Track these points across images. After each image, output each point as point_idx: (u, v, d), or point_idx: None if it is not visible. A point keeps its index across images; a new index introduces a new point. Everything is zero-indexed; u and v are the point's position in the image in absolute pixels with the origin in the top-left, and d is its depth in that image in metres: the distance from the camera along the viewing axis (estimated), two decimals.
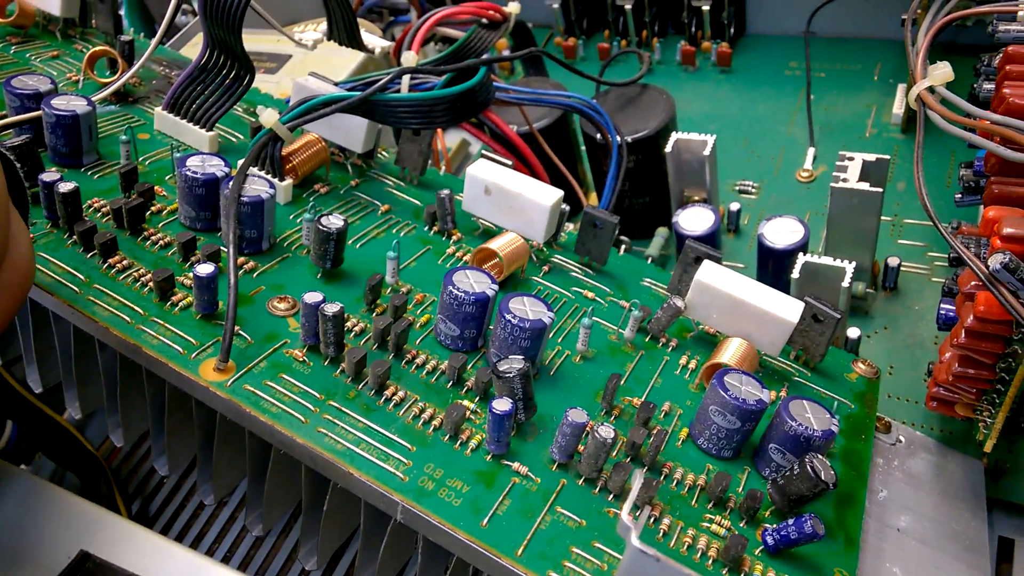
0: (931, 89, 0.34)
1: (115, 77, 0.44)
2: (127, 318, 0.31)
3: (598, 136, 0.51)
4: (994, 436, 0.33)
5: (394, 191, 0.42)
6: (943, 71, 0.34)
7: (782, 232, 0.45)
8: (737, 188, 0.58)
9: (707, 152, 0.48)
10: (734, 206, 0.53)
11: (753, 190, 0.57)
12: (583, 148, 0.56)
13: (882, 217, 0.51)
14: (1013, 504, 0.38)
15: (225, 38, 0.39)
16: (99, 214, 0.37)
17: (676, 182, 0.50)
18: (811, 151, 0.59)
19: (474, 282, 0.32)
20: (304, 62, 0.56)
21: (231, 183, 0.34)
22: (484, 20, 0.55)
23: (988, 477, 0.38)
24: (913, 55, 0.36)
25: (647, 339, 0.36)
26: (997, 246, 0.28)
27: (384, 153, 0.45)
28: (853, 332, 0.43)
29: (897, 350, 0.45)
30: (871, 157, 0.44)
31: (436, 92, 0.40)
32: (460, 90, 0.40)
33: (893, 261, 0.47)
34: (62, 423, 0.42)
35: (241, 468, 0.35)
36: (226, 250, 0.33)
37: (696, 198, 0.51)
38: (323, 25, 0.57)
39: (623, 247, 0.44)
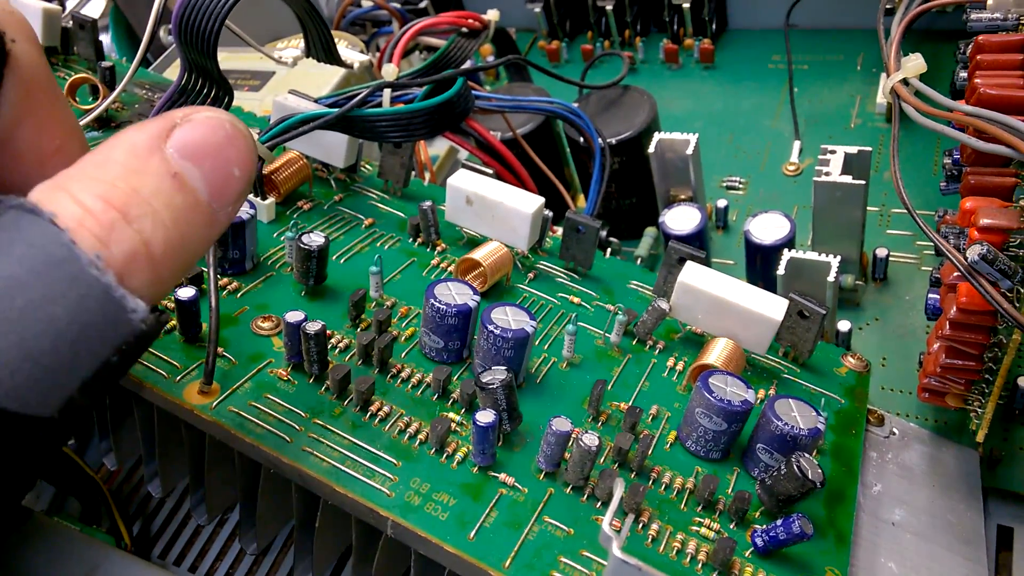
0: (905, 81, 0.34)
1: (96, 103, 0.44)
2: None
3: (581, 140, 0.51)
4: (985, 426, 0.33)
5: (378, 204, 0.42)
6: (915, 63, 0.34)
7: (768, 228, 0.45)
8: (724, 184, 0.58)
9: (690, 151, 0.48)
10: (721, 203, 0.53)
11: (740, 186, 0.57)
12: (568, 151, 0.56)
13: (869, 207, 0.51)
14: (1010, 492, 0.37)
15: (201, 61, 0.39)
16: None
17: (661, 182, 0.50)
18: (796, 144, 0.58)
19: (456, 294, 0.32)
20: (287, 79, 0.56)
21: None
22: (464, 29, 0.55)
23: (984, 466, 0.38)
24: (887, 47, 0.36)
25: (634, 342, 0.36)
26: (975, 237, 0.28)
27: (367, 166, 0.45)
28: (844, 325, 0.43)
29: (889, 341, 0.45)
30: (853, 150, 0.44)
31: (414, 105, 0.40)
32: (438, 102, 0.40)
33: (882, 252, 0.47)
34: (63, 449, 0.42)
35: (233, 488, 0.35)
36: (208, 272, 0.33)
37: (682, 197, 0.50)
38: (302, 42, 0.57)
39: (609, 250, 0.44)
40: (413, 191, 0.44)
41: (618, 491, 0.23)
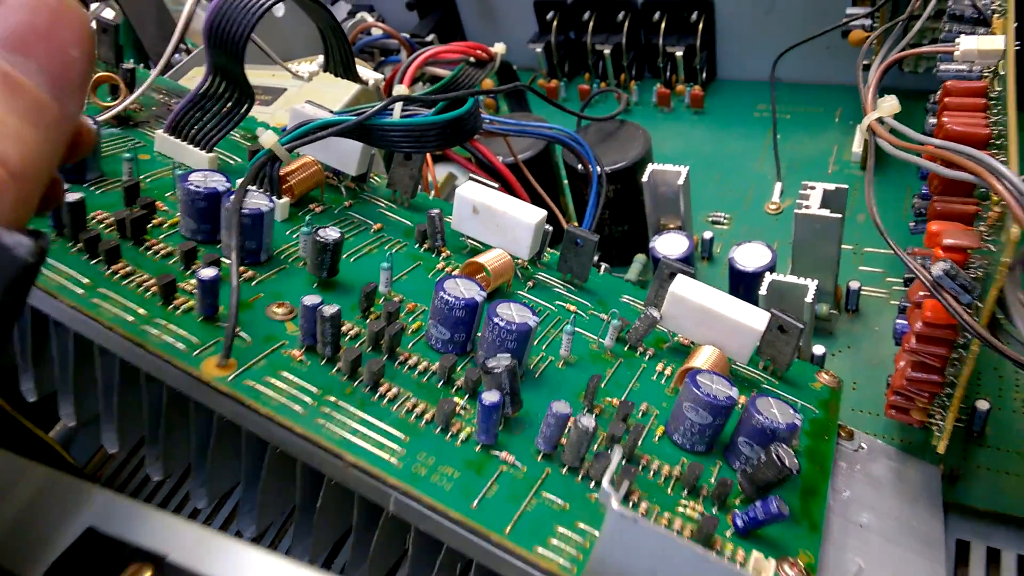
0: (881, 120, 0.37)
1: (117, 101, 0.46)
2: (131, 318, 0.33)
3: (579, 167, 0.54)
4: (946, 437, 0.36)
5: (386, 212, 0.45)
6: (891, 103, 0.37)
7: (751, 256, 0.48)
8: (710, 219, 0.61)
9: (681, 181, 0.51)
10: (707, 234, 0.57)
11: (725, 221, 0.60)
12: (565, 181, 0.59)
13: (844, 245, 0.54)
14: (968, 508, 0.40)
15: (227, 65, 0.41)
16: (102, 225, 0.38)
17: (652, 210, 0.53)
18: (778, 185, 0.62)
19: (464, 289, 0.34)
20: (299, 94, 0.59)
21: (232, 195, 0.36)
22: (471, 59, 0.58)
23: (945, 482, 0.40)
24: (864, 90, 0.40)
25: (626, 348, 0.38)
26: (939, 255, 0.31)
27: (376, 178, 0.48)
28: (819, 349, 0.46)
29: (859, 367, 0.48)
30: (831, 187, 0.47)
31: (428, 118, 0.42)
32: (450, 117, 0.43)
33: (854, 284, 0.50)
34: (47, 440, 0.43)
35: (236, 471, 0.36)
36: (226, 260, 0.35)
37: (671, 226, 0.53)
38: (317, 60, 0.60)
39: (603, 269, 0.47)
40: (419, 203, 0.46)
41: (616, 456, 0.25)
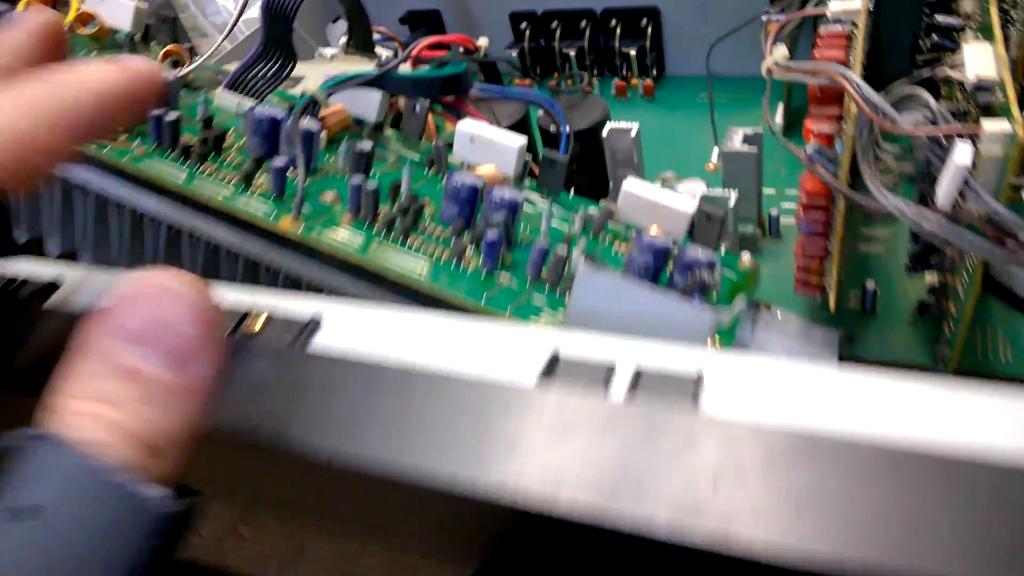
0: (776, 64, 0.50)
1: (185, 65, 0.58)
2: (226, 191, 0.44)
3: (552, 127, 0.67)
4: (833, 291, 0.48)
5: (399, 151, 0.57)
6: (781, 50, 0.50)
7: (690, 186, 0.60)
8: (660, 177, 0.73)
9: (633, 134, 0.64)
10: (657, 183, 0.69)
11: (672, 177, 0.73)
12: (539, 143, 0.71)
13: (767, 189, 0.67)
14: (860, 359, 0.52)
15: (280, 33, 0.54)
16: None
17: (610, 160, 0.66)
18: (715, 150, 0.75)
19: (468, 178, 0.46)
20: (319, 77, 0.71)
21: (290, 119, 0.48)
22: (461, 48, 0.71)
23: (842, 344, 0.52)
24: (766, 45, 0.53)
25: (590, 236, 0.50)
26: (811, 139, 0.44)
27: (388, 131, 0.60)
28: (745, 256, 0.58)
29: (779, 274, 0.60)
30: (750, 130, 0.60)
31: (432, 71, 0.55)
32: (449, 72, 0.55)
33: (774, 212, 0.63)
34: None
35: None
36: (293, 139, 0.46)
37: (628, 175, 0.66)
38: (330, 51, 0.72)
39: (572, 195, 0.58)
40: (423, 146, 0.58)
41: (578, 250, 0.36)
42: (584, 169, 0.70)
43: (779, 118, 0.77)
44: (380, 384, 0.26)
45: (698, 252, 0.43)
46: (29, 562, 0.18)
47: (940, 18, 0.50)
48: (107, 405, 0.20)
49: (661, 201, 0.49)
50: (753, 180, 0.60)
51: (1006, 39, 0.45)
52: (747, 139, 0.60)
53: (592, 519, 0.22)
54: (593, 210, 0.50)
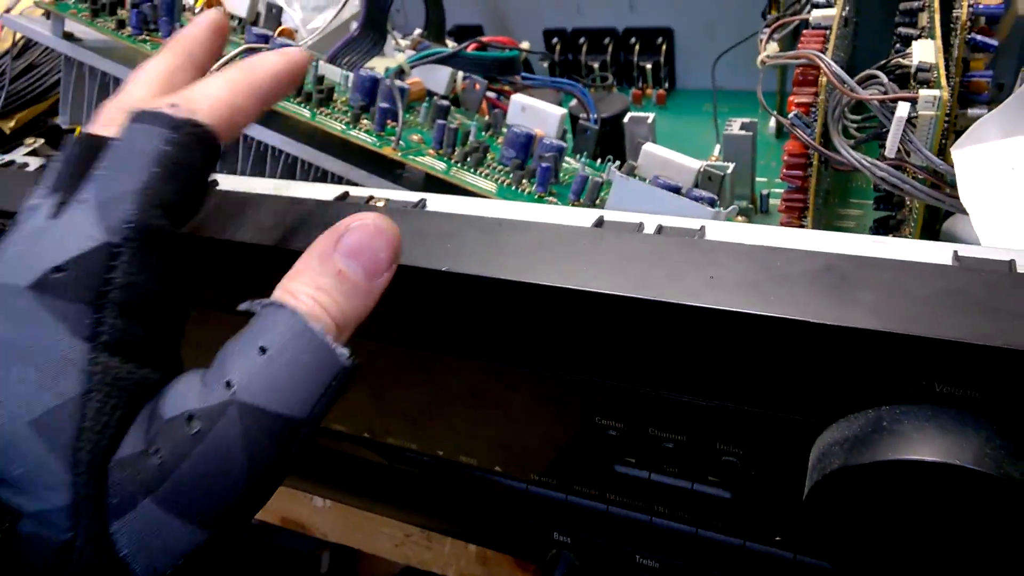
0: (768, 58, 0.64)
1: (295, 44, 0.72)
2: (339, 128, 0.57)
3: (582, 115, 0.80)
4: None
5: (461, 118, 0.70)
6: (772, 47, 0.64)
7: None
8: None
9: (649, 122, 0.77)
10: None
11: None
12: (570, 131, 0.85)
13: (759, 178, 0.80)
14: None
15: (377, 16, 0.67)
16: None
17: (630, 143, 0.79)
18: (717, 147, 0.88)
19: (525, 129, 0.58)
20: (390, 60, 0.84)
21: (388, 79, 0.61)
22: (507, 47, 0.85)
23: None
24: (760, 44, 0.66)
25: None
26: (792, 108, 0.57)
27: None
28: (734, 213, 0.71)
29: None
30: (747, 119, 0.73)
31: (492, 54, 0.68)
32: (504, 56, 0.69)
33: (765, 192, 0.76)
34: None
35: None
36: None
37: None
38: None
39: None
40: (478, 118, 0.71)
41: (612, 167, 0.49)
42: (607, 150, 0.82)
43: (772, 123, 0.91)
44: (484, 229, 0.39)
45: (701, 192, 0.56)
46: (258, 382, 0.27)
47: (902, 30, 0.64)
48: (323, 292, 0.29)
49: (673, 159, 0.61)
50: (748, 160, 0.73)
51: (950, 45, 0.59)
52: (744, 126, 0.73)
53: (633, 303, 0.34)
54: (618, 164, 0.63)
